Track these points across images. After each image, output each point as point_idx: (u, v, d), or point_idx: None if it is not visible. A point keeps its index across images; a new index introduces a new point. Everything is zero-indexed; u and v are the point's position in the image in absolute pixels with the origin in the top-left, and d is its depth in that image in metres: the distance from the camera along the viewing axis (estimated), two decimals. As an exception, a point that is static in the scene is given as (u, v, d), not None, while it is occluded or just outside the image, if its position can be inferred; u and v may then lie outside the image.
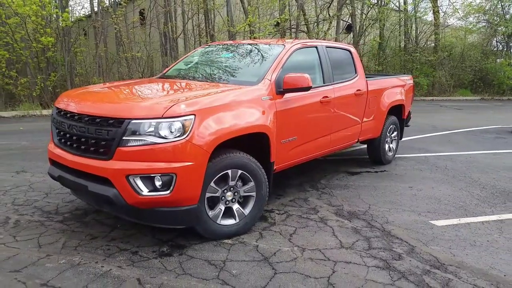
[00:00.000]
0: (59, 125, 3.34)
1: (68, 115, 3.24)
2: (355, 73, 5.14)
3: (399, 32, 20.98)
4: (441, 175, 5.50)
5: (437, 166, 5.97)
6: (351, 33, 19.21)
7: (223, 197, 3.32)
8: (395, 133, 6.20)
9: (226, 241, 3.33)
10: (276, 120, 3.68)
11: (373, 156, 6.04)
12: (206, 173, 3.08)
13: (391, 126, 6.02)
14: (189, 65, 4.75)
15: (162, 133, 2.87)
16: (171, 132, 2.88)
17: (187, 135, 2.90)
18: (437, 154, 6.80)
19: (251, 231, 3.53)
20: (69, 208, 4.01)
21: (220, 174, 3.21)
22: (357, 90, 5.03)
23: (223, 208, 3.32)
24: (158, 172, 2.87)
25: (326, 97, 4.40)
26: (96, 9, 14.56)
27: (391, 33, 20.71)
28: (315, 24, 17.96)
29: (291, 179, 5.16)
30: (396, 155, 6.41)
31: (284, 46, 4.16)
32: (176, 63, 4.93)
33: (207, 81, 4.00)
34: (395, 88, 6.01)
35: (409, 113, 6.79)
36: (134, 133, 2.87)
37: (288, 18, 17.40)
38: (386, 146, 6.00)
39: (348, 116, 4.99)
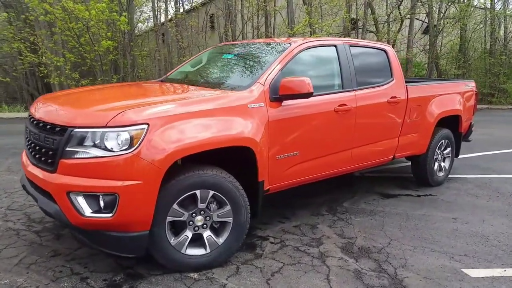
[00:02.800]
0: (26, 131, 3.09)
1: (31, 120, 2.97)
2: (391, 77, 4.30)
3: (484, 32, 18.68)
4: (501, 204, 4.40)
5: (500, 192, 4.83)
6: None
7: (192, 222, 2.79)
8: (448, 149, 5.16)
9: (192, 274, 2.80)
10: (268, 132, 3.07)
11: (418, 176, 5.08)
12: (166, 193, 2.59)
13: (443, 141, 5.01)
14: (192, 68, 4.30)
15: (108, 144, 2.44)
16: (118, 144, 2.44)
17: (135, 148, 2.43)
18: (506, 176, 5.57)
19: (228, 263, 2.96)
20: (54, 217, 3.78)
21: (185, 195, 2.70)
22: (392, 98, 4.19)
23: (190, 235, 2.80)
24: (100, 191, 2.44)
25: (344, 105, 3.67)
26: (157, 15, 14.97)
27: (474, 33, 18.51)
28: (385, 24, 16.64)
29: (308, 197, 4.47)
30: (450, 176, 5.35)
31: (290, 45, 3.51)
32: (183, 65, 4.52)
33: (197, 85, 3.50)
34: (448, 95, 4.99)
35: (470, 125, 5.67)
36: (77, 143, 2.47)
37: (353, 18, 16.36)
38: (435, 164, 5.01)
39: (378, 128, 4.17)
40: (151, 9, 15.44)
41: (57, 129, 2.56)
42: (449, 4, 16.78)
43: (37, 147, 2.77)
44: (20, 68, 13.43)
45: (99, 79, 12.64)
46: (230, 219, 2.89)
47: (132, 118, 2.47)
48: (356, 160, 4.01)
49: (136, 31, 14.78)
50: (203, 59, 4.38)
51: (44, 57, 11.77)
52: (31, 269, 2.85)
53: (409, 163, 5.23)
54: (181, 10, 15.71)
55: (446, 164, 5.21)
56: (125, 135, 2.43)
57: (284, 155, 3.26)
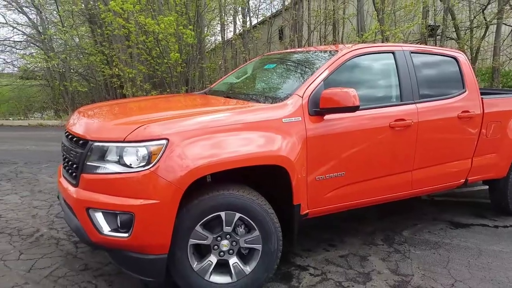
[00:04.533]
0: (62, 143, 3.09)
1: (65, 132, 2.96)
2: (463, 88, 3.70)
3: None
4: None
5: None
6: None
7: (216, 247, 2.55)
8: (536, 173, 4.34)
9: (215, 304, 2.54)
10: (306, 150, 2.73)
11: (496, 203, 4.34)
12: (188, 214, 2.39)
13: (529, 163, 4.22)
14: (234, 79, 4.10)
15: (127, 160, 2.30)
16: (136, 159, 2.29)
17: (153, 165, 2.25)
18: None
19: (256, 295, 2.65)
20: (95, 228, 3.78)
21: (209, 217, 2.46)
22: (463, 112, 3.60)
23: (215, 260, 2.55)
24: (117, 209, 2.30)
25: (402, 119, 3.20)
26: (226, 30, 15.26)
27: None
28: (467, 30, 15.20)
29: (362, 223, 4.00)
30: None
31: (337, 52, 3.15)
32: (228, 75, 4.34)
33: (233, 98, 3.27)
34: (537, 109, 4.20)
35: None
36: (98, 158, 2.37)
37: (431, 24, 15.20)
38: (519, 190, 4.23)
39: (445, 147, 3.60)
40: (219, 22, 15.80)
41: (81, 142, 2.49)
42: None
43: (66, 159, 2.73)
44: (99, 79, 14.45)
45: (168, 90, 13.13)
46: (259, 246, 2.59)
47: (151, 133, 2.30)
48: (417, 184, 3.48)
49: (205, 45, 15.18)
50: (248, 70, 4.16)
51: (117, 69, 12.50)
52: (58, 283, 2.81)
53: (487, 187, 4.50)
54: (248, 24, 15.84)
55: (533, 191, 4.38)
56: (143, 151, 2.27)
57: (326, 176, 2.89)
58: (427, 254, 3.35)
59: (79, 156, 2.43)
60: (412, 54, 3.44)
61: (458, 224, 4.07)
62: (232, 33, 15.42)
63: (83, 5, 12.82)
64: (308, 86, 2.84)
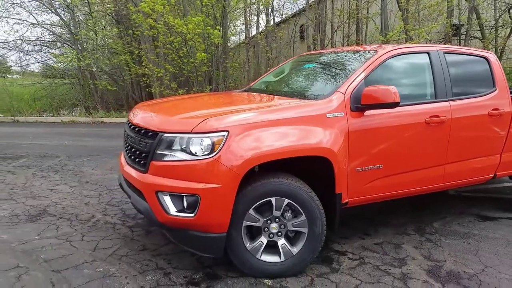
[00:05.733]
0: (124, 135, 3.42)
1: (129, 125, 3.29)
2: (493, 87, 3.89)
3: None
4: None
5: None
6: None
7: (267, 229, 2.83)
8: None
9: (266, 281, 2.82)
10: (348, 143, 2.98)
11: (524, 198, 4.50)
12: (243, 198, 2.67)
13: (557, 160, 4.36)
14: (274, 78, 4.37)
15: (193, 149, 2.60)
16: (201, 149, 2.58)
17: (216, 154, 2.55)
18: None
19: (302, 274, 2.92)
20: (145, 215, 4.11)
21: (261, 201, 2.75)
22: (493, 109, 3.78)
23: (265, 241, 2.83)
24: (184, 192, 2.60)
25: (437, 116, 3.41)
26: (250, 29, 15.54)
27: None
28: (493, 29, 15.11)
29: (393, 215, 4.21)
30: None
31: (376, 52, 3.38)
32: (266, 74, 4.62)
33: (277, 95, 3.55)
34: None
35: None
36: (166, 147, 2.68)
37: (455, 23, 15.15)
38: (547, 187, 4.39)
39: (476, 143, 3.79)
40: (243, 22, 16.08)
41: (150, 133, 2.80)
42: None
43: (133, 149, 3.05)
44: (127, 78, 14.95)
45: (194, 89, 13.51)
46: (305, 229, 2.85)
47: (214, 126, 2.59)
48: (448, 177, 3.69)
49: (229, 44, 15.50)
50: (285, 69, 4.43)
51: (146, 69, 12.93)
52: (122, 260, 3.13)
53: (514, 184, 4.66)
54: (272, 23, 16.11)
55: (561, 187, 4.53)
56: (207, 141, 2.56)
57: (365, 167, 3.14)
58: (458, 243, 3.56)
59: (149, 145, 2.74)
60: (445, 54, 3.65)
61: (485, 217, 4.25)
62: (254, 32, 15.70)
63: (112, 7, 13.27)
64: (350, 84, 3.09)
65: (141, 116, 3.14)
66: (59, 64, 14.79)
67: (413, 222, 4.06)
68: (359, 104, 3.01)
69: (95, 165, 6.37)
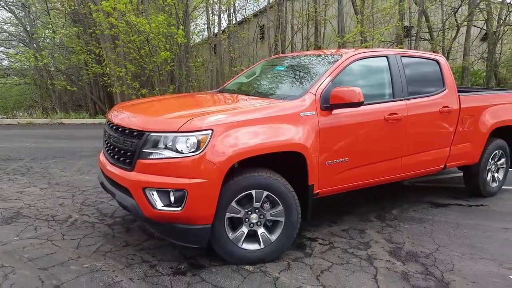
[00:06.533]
0: (105, 135, 3.53)
1: (110, 125, 3.40)
2: (443, 87, 4.35)
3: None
4: (561, 218, 4.27)
5: (559, 206, 4.67)
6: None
7: (247, 219, 3.07)
8: (502, 160, 5.06)
9: (247, 267, 3.06)
10: (318, 139, 3.28)
11: (469, 186, 5.03)
12: (226, 192, 2.89)
13: (497, 151, 4.93)
14: (247, 79, 4.62)
15: (179, 147, 2.78)
16: (187, 146, 2.78)
17: (201, 151, 2.75)
18: None
19: (280, 260, 3.19)
20: (123, 213, 4.22)
21: (242, 194, 2.98)
22: (443, 107, 4.24)
23: (246, 231, 3.07)
24: (171, 187, 2.78)
25: (394, 114, 3.80)
26: (212, 28, 15.65)
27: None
28: (440, 31, 16.21)
29: (356, 205, 4.59)
30: (504, 187, 5.23)
31: (341, 56, 3.72)
32: (238, 76, 4.85)
33: (252, 96, 3.80)
34: (503, 105, 4.91)
35: (528, 136, 5.49)
36: (153, 146, 2.84)
37: (407, 26, 16.10)
38: (488, 175, 4.94)
39: (429, 138, 4.23)
40: (205, 22, 16.17)
41: (135, 133, 2.95)
42: (510, 10, 16.00)
43: (116, 149, 3.18)
44: (85, 78, 14.59)
45: (156, 89, 13.45)
46: (282, 219, 3.12)
47: (199, 125, 2.79)
48: (405, 168, 4.10)
49: (191, 43, 15.53)
50: (257, 71, 4.69)
51: (108, 68, 12.72)
52: (107, 256, 3.25)
53: (460, 173, 5.20)
54: (234, 22, 16.31)
55: (500, 175, 5.11)
56: (193, 139, 2.76)
57: (334, 161, 3.45)
58: (414, 227, 3.97)
59: (135, 145, 2.89)
60: (402, 58, 4.05)
61: (437, 204, 4.73)
62: (216, 31, 15.81)
63: (71, 5, 12.92)
64: (320, 85, 3.39)
65: (124, 116, 3.27)
66: (17, 64, 14.16)
67: (374, 210, 4.45)
68: (328, 103, 3.32)
69: (62, 167, 6.31)
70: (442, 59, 4.50)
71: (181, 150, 2.78)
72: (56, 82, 13.49)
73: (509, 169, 5.21)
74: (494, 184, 5.02)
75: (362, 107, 3.48)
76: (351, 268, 3.09)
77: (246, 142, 2.89)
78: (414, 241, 3.63)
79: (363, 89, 3.38)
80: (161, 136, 2.82)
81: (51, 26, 13.29)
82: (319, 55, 4.16)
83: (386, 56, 3.98)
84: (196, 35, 15.97)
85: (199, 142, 2.76)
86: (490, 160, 4.87)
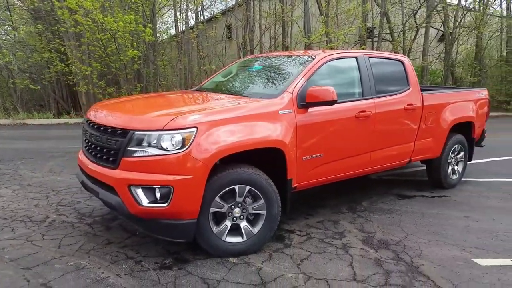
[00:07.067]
0: (85, 134, 3.55)
1: (91, 124, 3.42)
2: (407, 86, 4.65)
3: (500, 40, 18.77)
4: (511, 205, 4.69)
5: (511, 194, 5.10)
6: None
7: (230, 213, 3.20)
8: (461, 153, 5.46)
9: (231, 259, 3.20)
10: (296, 135, 3.46)
11: (432, 178, 5.39)
12: (210, 188, 3.00)
13: (456, 145, 5.32)
14: (224, 78, 4.74)
15: (164, 145, 2.87)
16: (172, 144, 2.86)
17: (187, 148, 2.85)
18: (518, 180, 5.83)
19: (261, 251, 3.35)
20: (102, 212, 4.23)
21: (226, 189, 3.10)
22: (408, 105, 4.54)
23: (229, 224, 3.20)
24: (157, 184, 2.87)
25: (364, 111, 4.04)
26: (180, 26, 15.56)
27: (491, 41, 18.61)
28: (401, 32, 16.94)
29: (328, 198, 4.83)
30: (463, 179, 5.64)
31: (314, 57, 3.92)
32: (215, 75, 4.96)
33: (231, 94, 3.92)
34: (461, 103, 5.31)
35: (483, 131, 5.96)
36: (137, 144, 2.91)
37: (369, 27, 16.69)
38: (449, 168, 5.32)
39: (395, 133, 4.52)
40: (174, 20, 16.04)
41: (119, 131, 3.00)
42: (465, 12, 16.97)
43: (99, 148, 3.21)
44: (47, 77, 14.10)
45: (124, 87, 13.25)
46: (263, 212, 3.28)
47: (184, 123, 2.89)
48: (374, 163, 4.36)
49: (159, 41, 15.38)
50: (233, 70, 4.82)
51: (74, 67, 12.40)
52: (91, 254, 3.28)
53: (423, 167, 5.56)
54: (202, 18, 16.29)
55: (459, 168, 5.50)
56: (178, 137, 2.86)
57: (310, 156, 3.65)
58: (384, 218, 4.25)
59: (120, 143, 2.95)
60: (370, 59, 4.31)
61: (403, 196, 5.05)
62: (184, 30, 15.73)
63: (32, 2, 12.45)
64: (296, 85, 3.57)
65: (106, 115, 3.31)
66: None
67: (345, 203, 4.70)
68: (304, 102, 3.50)
69: (32, 168, 6.17)
70: (406, 60, 4.81)
71: (166, 148, 2.87)
72: (18, 81, 12.99)
73: (468, 162, 5.62)
74: (455, 177, 5.41)
75: (335, 105, 3.69)
76: (328, 257, 3.29)
77: (231, 139, 3.02)
78: (384, 230, 3.89)
79: (336, 88, 3.58)
80: (146, 134, 2.89)
81: (11, 23, 12.74)
82: (294, 56, 4.35)
83: (356, 57, 4.22)
84: (164, 33, 15.82)
85: (184, 139, 2.86)
86: (450, 154, 5.25)
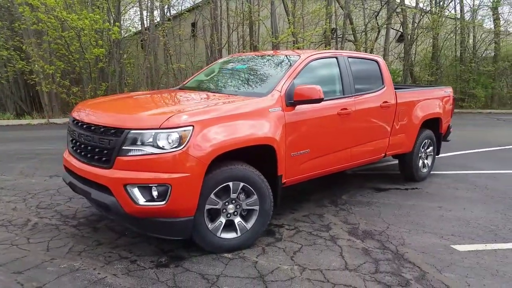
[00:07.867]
0: (72, 134, 3.48)
1: (79, 124, 3.36)
2: (382, 84, 4.89)
3: (455, 41, 19.86)
4: (478, 195, 5.05)
5: (476, 185, 5.49)
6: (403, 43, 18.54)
7: (225, 210, 3.25)
8: (430, 148, 5.80)
9: (226, 255, 3.26)
10: (285, 133, 3.57)
11: (404, 172, 5.69)
12: (205, 185, 3.04)
13: (426, 140, 5.64)
14: (208, 77, 4.77)
15: (160, 143, 2.88)
16: (168, 142, 2.88)
17: (184, 146, 2.88)
18: (480, 171, 6.26)
19: (254, 246, 3.43)
20: (86, 214, 4.15)
21: (220, 186, 3.16)
22: (384, 102, 4.78)
23: (224, 221, 3.26)
24: (154, 182, 2.87)
25: (345, 109, 4.22)
26: (145, 23, 15.29)
27: (446, 42, 19.65)
28: (363, 33, 17.54)
29: (310, 193, 4.99)
30: (432, 172, 5.99)
31: (299, 57, 4.05)
32: (197, 74, 4.98)
33: (219, 93, 3.98)
34: (430, 100, 5.64)
35: (449, 127, 6.35)
36: (133, 143, 2.90)
37: (334, 28, 17.15)
38: (420, 162, 5.63)
39: (372, 130, 4.74)
40: (139, 18, 15.72)
41: (112, 131, 2.98)
42: (423, 14, 17.83)
43: (89, 148, 3.17)
44: (4, 76, 13.42)
45: (89, 87, 12.86)
46: (256, 207, 3.36)
47: (180, 121, 2.92)
48: (354, 158, 4.56)
49: (124, 40, 15.03)
50: (215, 69, 4.86)
51: (36, 65, 11.89)
52: (82, 255, 3.23)
53: (395, 162, 5.85)
54: (168, 15, 16.07)
55: (429, 162, 5.84)
56: (175, 135, 2.88)
57: (298, 152, 3.77)
58: (364, 210, 4.45)
59: (114, 142, 2.93)
60: (349, 59, 4.49)
61: (379, 189, 5.30)
62: (151, 28, 15.45)
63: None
64: (284, 83, 3.68)
65: (96, 114, 3.27)
66: None
67: (327, 197, 4.88)
68: (292, 100, 3.62)
69: (2, 171, 5.91)
70: (381, 60, 5.05)
71: (163, 146, 2.88)
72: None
73: (436, 156, 5.98)
74: (425, 170, 5.74)
75: (319, 103, 3.83)
76: (319, 248, 3.43)
77: (227, 137, 3.08)
78: (367, 221, 4.09)
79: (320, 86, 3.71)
80: (141, 133, 2.89)
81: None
82: (277, 56, 4.46)
83: (336, 57, 4.39)
84: (130, 30, 15.46)
85: (180, 138, 2.89)
86: (421, 148, 5.56)
